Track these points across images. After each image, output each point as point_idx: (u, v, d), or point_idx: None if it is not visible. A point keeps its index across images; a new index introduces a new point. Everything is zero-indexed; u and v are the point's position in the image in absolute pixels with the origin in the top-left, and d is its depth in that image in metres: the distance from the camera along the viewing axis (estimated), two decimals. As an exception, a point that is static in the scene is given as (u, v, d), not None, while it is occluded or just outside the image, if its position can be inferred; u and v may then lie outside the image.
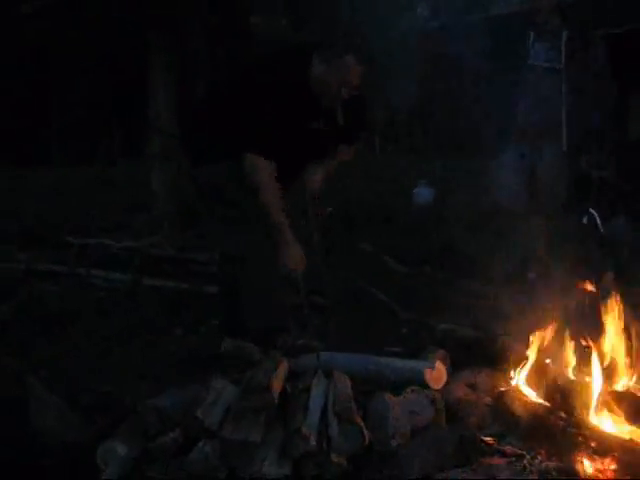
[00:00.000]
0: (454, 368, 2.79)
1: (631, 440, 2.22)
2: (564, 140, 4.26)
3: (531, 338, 2.70)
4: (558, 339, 2.62)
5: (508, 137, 4.43)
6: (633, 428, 2.30)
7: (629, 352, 2.59)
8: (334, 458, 2.12)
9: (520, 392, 2.53)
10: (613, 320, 2.62)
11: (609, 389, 2.48)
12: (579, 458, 2.14)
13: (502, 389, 2.60)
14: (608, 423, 2.33)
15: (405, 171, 9.54)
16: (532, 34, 4.29)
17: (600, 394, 2.40)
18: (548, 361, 2.67)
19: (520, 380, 2.59)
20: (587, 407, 2.38)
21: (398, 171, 9.82)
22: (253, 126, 2.97)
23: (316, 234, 3.22)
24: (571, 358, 2.59)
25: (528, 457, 2.18)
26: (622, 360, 2.57)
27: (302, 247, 3.04)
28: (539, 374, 2.57)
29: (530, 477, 2.09)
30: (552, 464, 2.14)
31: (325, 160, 3.26)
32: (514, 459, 2.17)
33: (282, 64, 3.09)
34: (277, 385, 2.27)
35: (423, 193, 8.98)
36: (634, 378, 2.56)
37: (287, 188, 3.04)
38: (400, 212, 7.49)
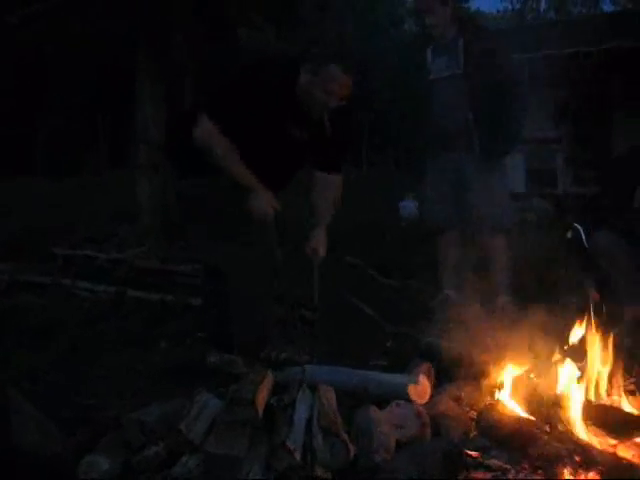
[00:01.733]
0: (439, 381, 2.79)
1: (615, 454, 2.23)
2: (476, 144, 4.11)
3: (515, 352, 2.71)
4: (543, 353, 2.63)
5: (431, 150, 4.33)
6: (617, 442, 2.30)
7: (613, 366, 2.60)
8: (319, 472, 2.11)
9: (505, 406, 2.53)
10: (596, 335, 2.64)
11: (594, 403, 2.49)
12: (564, 472, 2.14)
13: (487, 403, 2.60)
14: (593, 437, 2.33)
15: (390, 184, 9.56)
16: (430, 51, 4.22)
17: (585, 408, 2.41)
18: (532, 375, 2.67)
19: (505, 394, 2.60)
20: (572, 421, 2.38)
21: (383, 184, 9.84)
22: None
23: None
24: (555, 372, 2.59)
25: (513, 471, 2.18)
26: (606, 374, 2.58)
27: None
28: (524, 388, 2.57)
29: (515, 491, 2.08)
30: (537, 478, 2.14)
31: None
32: (499, 473, 2.17)
33: (268, 74, 3.08)
34: (262, 399, 2.25)
35: (409, 206, 9.01)
36: (618, 392, 2.57)
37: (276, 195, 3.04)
38: (386, 225, 7.51)
